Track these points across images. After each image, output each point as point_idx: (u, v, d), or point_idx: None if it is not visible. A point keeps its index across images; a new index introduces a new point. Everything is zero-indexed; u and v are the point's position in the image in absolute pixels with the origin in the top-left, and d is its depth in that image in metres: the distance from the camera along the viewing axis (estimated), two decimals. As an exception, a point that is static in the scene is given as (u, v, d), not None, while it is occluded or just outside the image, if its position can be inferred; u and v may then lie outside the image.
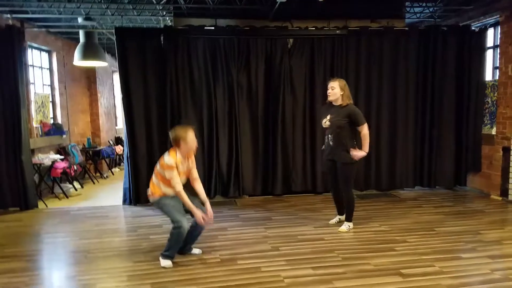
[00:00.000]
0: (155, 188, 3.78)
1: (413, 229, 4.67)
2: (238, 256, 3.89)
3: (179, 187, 3.64)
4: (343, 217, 4.81)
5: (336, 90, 4.45)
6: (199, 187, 3.89)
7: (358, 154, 4.48)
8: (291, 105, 6.31)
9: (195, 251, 4.00)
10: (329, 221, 4.93)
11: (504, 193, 5.98)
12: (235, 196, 6.29)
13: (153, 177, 3.82)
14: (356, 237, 4.43)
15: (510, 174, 5.83)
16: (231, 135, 6.22)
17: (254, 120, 6.30)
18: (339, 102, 4.48)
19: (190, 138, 3.69)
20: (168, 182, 3.67)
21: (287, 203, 5.97)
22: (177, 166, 3.65)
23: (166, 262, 3.74)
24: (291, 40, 6.27)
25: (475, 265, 3.61)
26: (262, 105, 6.29)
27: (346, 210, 4.71)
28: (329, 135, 4.53)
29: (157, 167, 3.77)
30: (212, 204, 5.84)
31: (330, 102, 4.55)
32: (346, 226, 4.66)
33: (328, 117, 4.49)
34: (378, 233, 4.57)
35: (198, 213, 3.67)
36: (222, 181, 6.26)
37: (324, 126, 4.57)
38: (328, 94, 4.52)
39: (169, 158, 3.66)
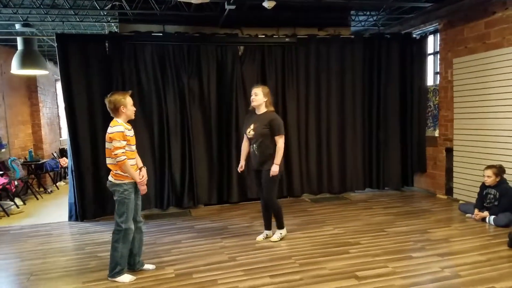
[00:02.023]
0: (115, 167, 3.50)
1: (365, 231, 4.77)
2: (194, 270, 3.76)
3: (124, 156, 3.41)
4: (269, 233, 4.63)
5: (259, 97, 4.32)
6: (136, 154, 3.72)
7: (273, 169, 4.27)
8: (244, 112, 6.27)
9: (148, 266, 3.82)
10: (256, 237, 4.64)
11: (448, 191, 6.30)
12: (190, 206, 6.14)
13: (108, 159, 3.54)
14: (312, 241, 4.45)
15: (454, 173, 6.14)
16: (184, 144, 6.08)
17: (207, 127, 6.20)
18: (262, 109, 4.36)
19: (128, 101, 3.55)
20: (127, 155, 3.45)
21: (243, 211, 5.92)
22: (125, 133, 3.45)
23: (125, 278, 3.54)
24: (241, 48, 6.27)
25: (425, 264, 3.73)
26: (215, 112, 6.21)
27: (274, 217, 4.56)
28: (254, 145, 4.35)
29: (107, 146, 3.51)
30: (165, 216, 5.83)
31: (253, 110, 4.44)
32: (277, 235, 4.55)
33: (252, 126, 4.36)
34: (333, 236, 4.63)
35: (143, 186, 3.57)
36: (175, 191, 6.09)
37: (248, 136, 4.43)
38: (251, 100, 4.39)
39: (114, 127, 3.44)
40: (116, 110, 3.50)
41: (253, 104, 4.38)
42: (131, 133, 3.57)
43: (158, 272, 3.74)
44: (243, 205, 6.24)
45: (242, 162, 4.61)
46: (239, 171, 4.69)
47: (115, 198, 3.56)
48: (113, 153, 3.41)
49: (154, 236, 4.85)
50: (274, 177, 4.33)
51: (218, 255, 4.13)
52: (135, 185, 3.58)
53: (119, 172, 3.50)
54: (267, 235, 4.64)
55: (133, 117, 3.63)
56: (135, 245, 3.69)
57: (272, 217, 4.60)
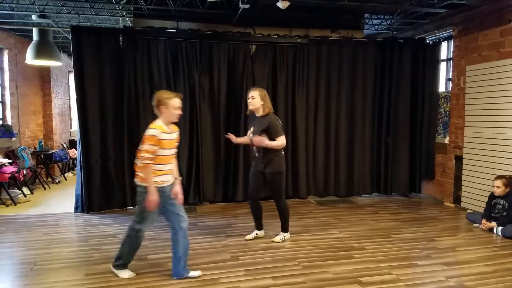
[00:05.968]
0: (138, 168, 3.39)
1: (370, 236, 4.74)
2: (196, 267, 3.73)
3: (148, 161, 3.25)
4: (260, 233, 4.66)
5: (256, 100, 4.25)
6: (174, 162, 3.57)
7: (262, 138, 4.18)
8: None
9: (194, 274, 3.63)
10: (245, 236, 4.66)
11: (456, 200, 6.23)
12: (195, 203, 6.15)
13: (137, 160, 3.38)
14: (316, 245, 4.43)
15: (462, 181, 6.07)
16: (192, 140, 6.08)
17: (216, 125, 6.20)
18: (260, 113, 4.30)
19: (172, 102, 3.33)
20: (158, 159, 3.33)
21: (248, 210, 5.80)
22: (158, 137, 3.28)
23: (126, 273, 3.53)
24: (253, 47, 6.27)
25: (430, 272, 3.69)
26: (224, 110, 6.21)
27: (281, 220, 4.55)
28: (255, 147, 4.34)
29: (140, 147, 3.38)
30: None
31: (253, 113, 4.39)
32: (280, 237, 4.54)
33: (251, 129, 4.35)
34: (337, 240, 4.61)
35: (154, 196, 3.28)
36: (181, 187, 6.08)
37: (249, 139, 4.39)
38: (248, 103, 4.31)
39: (149, 129, 3.31)
40: (157, 107, 3.40)
41: (250, 108, 4.33)
42: (169, 136, 3.41)
43: (161, 268, 3.74)
44: (248, 204, 6.18)
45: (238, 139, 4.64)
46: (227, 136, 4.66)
47: (137, 198, 3.47)
48: (140, 155, 3.31)
49: (157, 231, 4.82)
50: (280, 177, 4.34)
51: (221, 254, 4.13)
52: (161, 189, 3.38)
53: (141, 174, 3.38)
54: (257, 234, 4.64)
55: (174, 120, 3.45)
56: (178, 249, 3.49)
57: (279, 219, 4.58)
